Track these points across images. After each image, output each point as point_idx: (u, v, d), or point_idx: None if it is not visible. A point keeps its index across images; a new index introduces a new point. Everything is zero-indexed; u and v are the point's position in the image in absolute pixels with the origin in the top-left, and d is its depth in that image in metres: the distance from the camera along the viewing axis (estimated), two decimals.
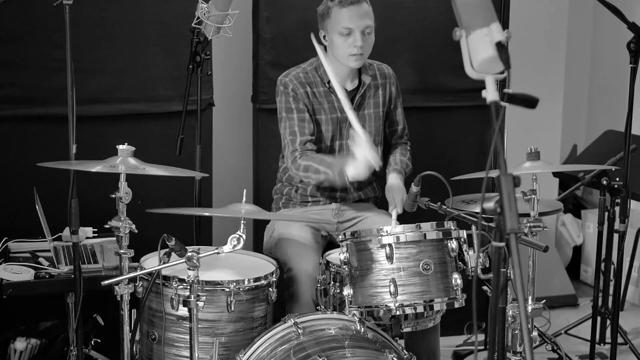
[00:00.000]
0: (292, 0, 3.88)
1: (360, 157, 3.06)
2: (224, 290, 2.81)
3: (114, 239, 2.89)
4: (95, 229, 3.36)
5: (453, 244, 2.83)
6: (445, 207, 3.03)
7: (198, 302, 2.65)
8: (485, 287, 3.05)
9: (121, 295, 2.87)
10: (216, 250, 2.67)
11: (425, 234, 2.81)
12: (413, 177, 3.12)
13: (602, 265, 3.93)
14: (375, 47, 3.39)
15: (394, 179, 3.41)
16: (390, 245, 2.78)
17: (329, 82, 3.36)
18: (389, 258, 2.78)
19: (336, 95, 3.35)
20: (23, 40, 3.53)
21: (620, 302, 3.88)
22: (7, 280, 3.05)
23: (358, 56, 3.30)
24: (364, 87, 3.42)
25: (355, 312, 2.81)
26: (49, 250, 3.25)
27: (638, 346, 3.95)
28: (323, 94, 3.39)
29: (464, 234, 2.88)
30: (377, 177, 3.55)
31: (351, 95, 3.41)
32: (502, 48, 1.90)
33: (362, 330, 2.74)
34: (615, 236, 3.80)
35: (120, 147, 2.90)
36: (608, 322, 3.85)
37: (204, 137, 3.59)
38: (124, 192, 2.82)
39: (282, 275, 3.12)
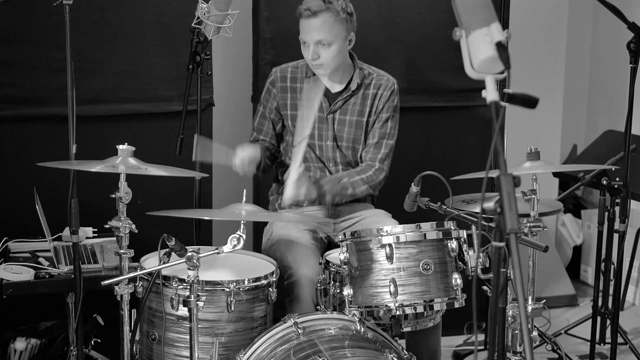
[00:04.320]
0: (292, 0, 3.87)
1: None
2: (224, 290, 2.81)
3: (114, 239, 2.89)
4: (95, 229, 3.36)
5: (453, 244, 2.83)
6: (445, 207, 3.03)
7: (198, 302, 2.65)
8: (485, 287, 3.05)
9: (121, 295, 2.87)
10: (216, 250, 2.66)
11: (425, 234, 2.81)
12: (413, 177, 3.11)
13: (602, 265, 3.93)
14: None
15: (302, 175, 3.23)
16: (390, 245, 2.78)
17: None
18: (389, 258, 2.78)
19: (323, 96, 3.35)
20: (23, 40, 3.53)
21: (620, 302, 3.88)
22: (7, 280, 3.05)
23: (318, 65, 3.27)
24: (349, 92, 3.37)
25: (355, 312, 2.81)
26: (49, 250, 3.25)
27: (638, 346, 3.94)
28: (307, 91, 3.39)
29: (464, 234, 2.88)
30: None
31: (335, 97, 3.39)
32: (502, 48, 1.90)
33: (362, 330, 2.74)
34: (615, 236, 3.80)
35: (120, 147, 2.90)
36: (608, 322, 3.85)
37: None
38: (124, 192, 2.82)
39: (281, 277, 3.11)
